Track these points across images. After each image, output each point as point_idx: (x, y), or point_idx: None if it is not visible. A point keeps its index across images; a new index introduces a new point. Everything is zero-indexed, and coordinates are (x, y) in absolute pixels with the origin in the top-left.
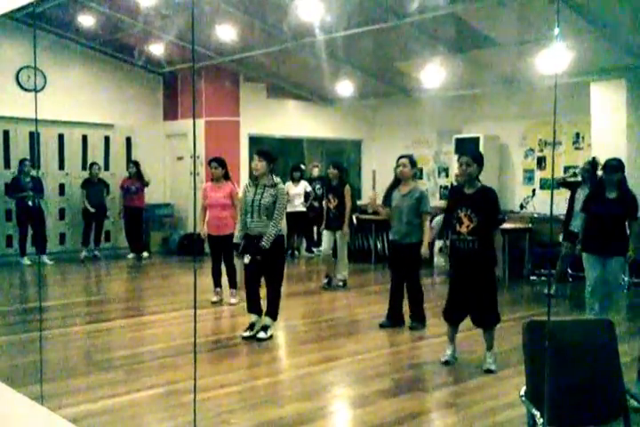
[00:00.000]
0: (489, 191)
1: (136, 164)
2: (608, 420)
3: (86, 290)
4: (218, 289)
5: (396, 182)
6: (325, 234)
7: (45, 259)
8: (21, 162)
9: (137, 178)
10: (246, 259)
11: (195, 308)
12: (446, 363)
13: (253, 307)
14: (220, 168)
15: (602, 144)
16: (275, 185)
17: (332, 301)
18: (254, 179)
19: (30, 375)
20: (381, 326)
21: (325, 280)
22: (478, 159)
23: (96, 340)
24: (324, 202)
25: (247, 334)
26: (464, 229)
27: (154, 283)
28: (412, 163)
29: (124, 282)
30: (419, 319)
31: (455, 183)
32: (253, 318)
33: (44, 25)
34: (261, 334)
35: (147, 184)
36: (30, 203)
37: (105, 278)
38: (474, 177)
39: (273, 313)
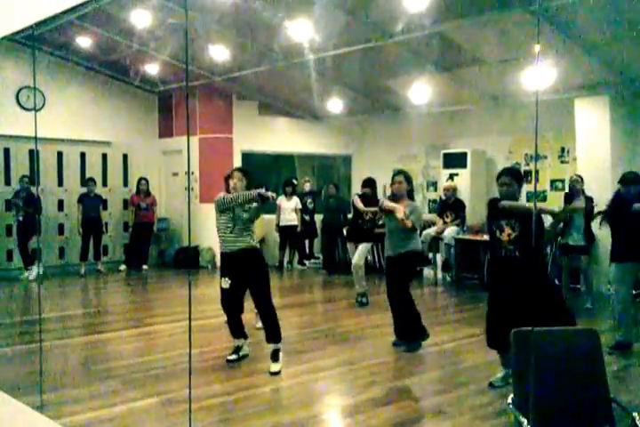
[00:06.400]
0: None
1: (146, 181)
2: None
3: (85, 302)
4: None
5: (392, 199)
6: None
7: (33, 274)
8: (21, 178)
9: (147, 195)
10: (226, 283)
11: (189, 319)
12: (491, 385)
13: (237, 333)
14: None
15: (586, 158)
16: None
17: (324, 312)
18: None
19: (31, 385)
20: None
21: (361, 299)
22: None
23: (94, 351)
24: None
25: (233, 357)
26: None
27: (151, 295)
28: (407, 179)
29: (122, 294)
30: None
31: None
32: (238, 342)
33: (43, 46)
34: (274, 368)
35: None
36: (21, 218)
37: (103, 291)
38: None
39: (275, 336)
